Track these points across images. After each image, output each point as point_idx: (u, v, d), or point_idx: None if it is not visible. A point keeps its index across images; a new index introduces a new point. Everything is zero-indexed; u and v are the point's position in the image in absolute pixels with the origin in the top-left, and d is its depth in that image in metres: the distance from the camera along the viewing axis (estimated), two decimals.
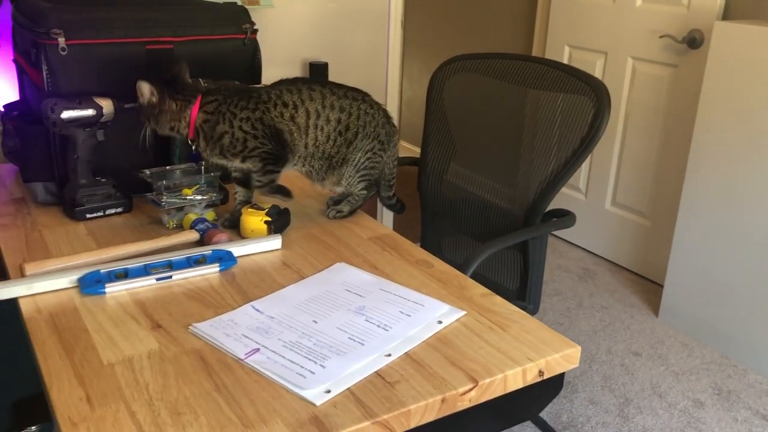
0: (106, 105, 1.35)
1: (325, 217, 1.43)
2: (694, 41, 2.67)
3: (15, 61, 1.57)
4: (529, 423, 2.06)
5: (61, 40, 1.33)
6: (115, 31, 1.38)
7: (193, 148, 1.33)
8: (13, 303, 1.09)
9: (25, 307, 1.05)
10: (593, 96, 1.58)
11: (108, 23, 1.37)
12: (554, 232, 3.46)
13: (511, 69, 1.78)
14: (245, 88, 1.34)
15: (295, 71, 2.93)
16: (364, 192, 1.42)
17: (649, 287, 2.98)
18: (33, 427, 1.87)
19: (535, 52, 3.45)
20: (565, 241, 3.42)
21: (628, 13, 2.94)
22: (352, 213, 1.44)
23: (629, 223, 3.10)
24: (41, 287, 1.09)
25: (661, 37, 2.78)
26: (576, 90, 1.62)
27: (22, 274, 1.13)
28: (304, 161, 1.37)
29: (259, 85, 1.36)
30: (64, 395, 0.86)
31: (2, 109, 1.59)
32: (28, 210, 1.41)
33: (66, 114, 1.31)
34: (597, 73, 3.11)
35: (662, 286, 2.92)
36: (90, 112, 1.33)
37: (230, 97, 1.30)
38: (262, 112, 1.30)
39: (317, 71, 2.90)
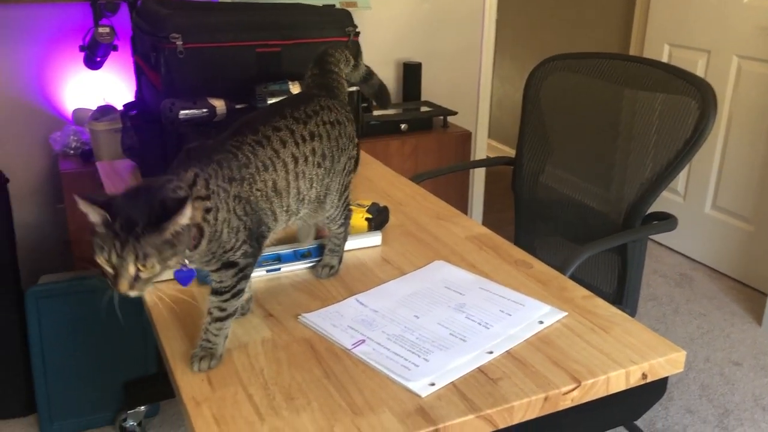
0: (219, 105, 1.42)
1: (423, 216, 1.46)
2: None
3: (134, 63, 1.67)
4: (621, 429, 2.02)
5: (179, 44, 1.41)
6: (228, 35, 1.46)
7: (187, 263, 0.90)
8: None
9: (147, 295, 1.13)
10: (698, 97, 1.53)
11: (222, 27, 1.45)
12: (651, 236, 3.37)
13: (611, 69, 1.75)
14: (214, 147, 0.95)
15: (390, 71, 2.98)
16: (341, 230, 1.19)
17: (751, 295, 2.85)
18: (142, 407, 1.99)
19: (633, 51, 3.37)
20: (662, 245, 3.32)
21: (733, 9, 2.82)
22: (341, 262, 1.23)
23: (731, 228, 2.98)
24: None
25: None
26: (679, 90, 1.58)
27: None
28: (288, 221, 1.05)
29: (211, 141, 0.97)
30: (187, 377, 0.92)
31: (122, 108, 1.71)
32: None
33: (183, 113, 1.39)
34: (699, 73, 3.00)
35: (767, 295, 2.79)
36: (204, 111, 1.41)
37: (209, 163, 0.91)
38: (249, 183, 0.95)
39: (411, 71, 2.93)
